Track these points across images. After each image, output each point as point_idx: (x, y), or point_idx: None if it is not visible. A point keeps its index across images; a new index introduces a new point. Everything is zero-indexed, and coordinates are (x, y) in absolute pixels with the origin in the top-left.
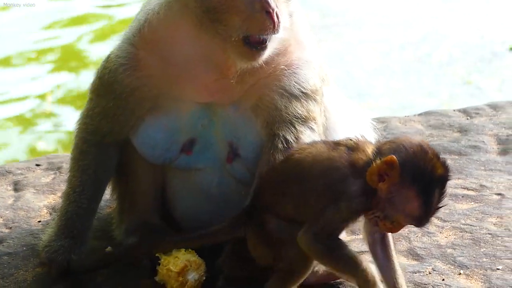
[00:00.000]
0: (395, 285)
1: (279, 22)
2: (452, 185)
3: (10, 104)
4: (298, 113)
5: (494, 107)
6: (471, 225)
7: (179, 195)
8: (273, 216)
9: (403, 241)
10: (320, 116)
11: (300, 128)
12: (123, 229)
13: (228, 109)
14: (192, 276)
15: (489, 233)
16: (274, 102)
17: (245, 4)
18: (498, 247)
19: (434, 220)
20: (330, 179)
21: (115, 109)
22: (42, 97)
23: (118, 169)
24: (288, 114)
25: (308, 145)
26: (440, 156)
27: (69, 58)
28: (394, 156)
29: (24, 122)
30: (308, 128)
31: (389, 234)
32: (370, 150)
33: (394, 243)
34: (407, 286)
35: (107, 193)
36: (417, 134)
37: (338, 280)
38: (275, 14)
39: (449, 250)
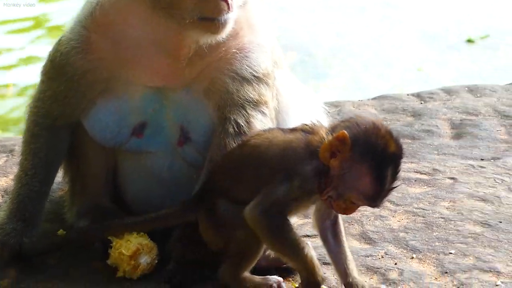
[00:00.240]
0: (346, 271)
1: (232, 2)
2: (405, 169)
3: None
4: (249, 96)
5: (448, 91)
6: (423, 209)
7: (130, 178)
8: (225, 200)
9: (355, 224)
10: (272, 100)
11: (252, 112)
12: (75, 212)
13: (179, 93)
14: (144, 260)
15: (441, 217)
16: (225, 86)
17: None
18: (450, 231)
19: (386, 203)
20: (286, 159)
21: (67, 92)
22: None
23: (69, 152)
24: (240, 98)
25: (264, 131)
26: (394, 135)
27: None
28: (345, 132)
29: None
30: (260, 112)
31: (340, 221)
32: (324, 131)
33: (346, 227)
34: (360, 270)
35: (59, 176)
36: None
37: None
38: None
39: (401, 234)
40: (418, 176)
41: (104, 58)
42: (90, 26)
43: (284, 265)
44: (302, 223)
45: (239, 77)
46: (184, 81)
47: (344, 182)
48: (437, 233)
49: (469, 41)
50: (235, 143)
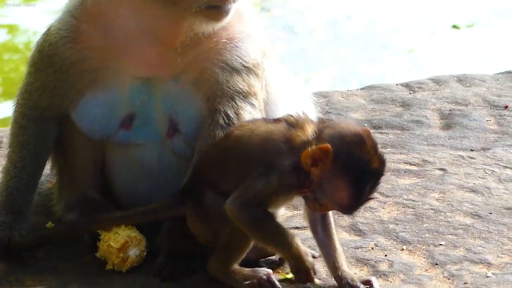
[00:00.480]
0: (335, 264)
1: None
2: (395, 160)
3: None
4: (239, 87)
5: (437, 81)
6: (413, 201)
7: (119, 171)
8: (212, 193)
9: (345, 216)
10: (261, 91)
11: (241, 103)
12: (63, 205)
13: (168, 84)
14: (133, 252)
15: (431, 209)
16: (215, 76)
17: None
18: (440, 223)
19: (376, 195)
20: (265, 150)
21: (55, 83)
22: None
23: (57, 144)
24: (230, 88)
25: (248, 122)
26: (378, 150)
27: None
28: (329, 145)
29: None
30: (249, 103)
31: (330, 213)
32: (310, 129)
33: (336, 219)
34: (350, 262)
35: (47, 168)
36: (359, 108)
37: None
38: None
39: (391, 226)
40: (408, 167)
41: (94, 48)
42: (80, 15)
43: (273, 257)
44: (292, 215)
45: (229, 68)
46: (174, 71)
47: (322, 190)
48: (427, 225)
49: (455, 27)
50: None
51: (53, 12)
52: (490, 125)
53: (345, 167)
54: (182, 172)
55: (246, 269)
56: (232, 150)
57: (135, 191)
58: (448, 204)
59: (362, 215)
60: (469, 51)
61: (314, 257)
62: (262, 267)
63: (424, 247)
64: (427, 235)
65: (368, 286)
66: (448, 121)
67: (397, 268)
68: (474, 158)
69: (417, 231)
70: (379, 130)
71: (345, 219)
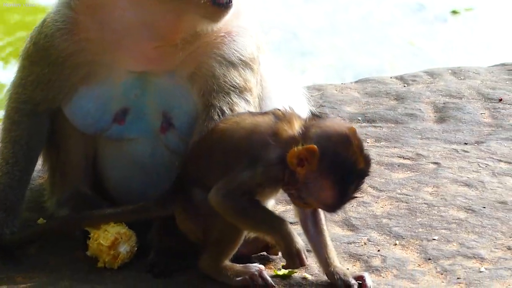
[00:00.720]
0: (326, 260)
1: None
2: (389, 154)
3: None
4: (235, 82)
5: (431, 74)
6: (407, 195)
7: (112, 166)
8: (201, 189)
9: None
10: (256, 87)
11: (236, 99)
12: (55, 200)
13: (163, 78)
14: (123, 248)
15: (425, 203)
16: (212, 70)
17: None
18: (434, 217)
19: (369, 190)
20: (251, 143)
21: (50, 76)
22: None
23: (49, 140)
24: (226, 83)
25: (233, 115)
26: (364, 149)
27: None
28: (315, 146)
29: None
30: (244, 100)
31: (320, 209)
32: (297, 124)
33: (328, 215)
34: (342, 257)
35: (39, 164)
36: (353, 101)
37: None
38: None
39: (384, 220)
40: (402, 161)
41: (90, 40)
42: (77, 7)
43: (265, 252)
44: (285, 210)
45: (226, 62)
46: (170, 65)
47: (307, 189)
48: (420, 219)
49: (454, 12)
50: None
51: None
52: (484, 118)
53: (331, 168)
54: (175, 167)
55: (238, 265)
56: (218, 144)
57: (128, 186)
58: (441, 198)
59: (355, 210)
60: (467, 40)
61: (307, 250)
62: (254, 263)
63: (417, 242)
64: (420, 229)
65: (360, 282)
66: (442, 114)
67: (389, 263)
68: (468, 152)
69: (410, 225)
70: (373, 124)
71: (338, 214)
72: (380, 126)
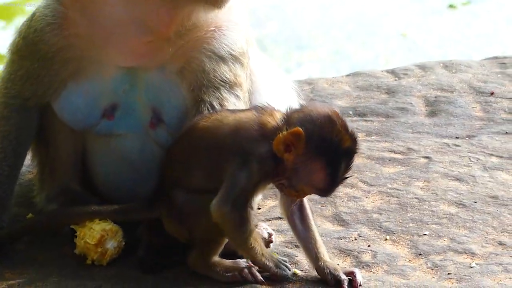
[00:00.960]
0: (317, 255)
1: None
2: (379, 148)
3: None
4: (226, 76)
5: (423, 67)
6: (397, 190)
7: (100, 161)
8: (182, 191)
9: (328, 206)
10: (246, 82)
11: (226, 95)
12: (44, 196)
13: (152, 74)
14: (111, 245)
15: (416, 198)
16: (202, 65)
17: None
18: (425, 212)
19: (360, 184)
20: (238, 139)
21: (40, 70)
22: None
23: (38, 135)
24: (216, 78)
25: (211, 113)
26: (349, 128)
27: None
28: (300, 129)
29: None
30: (234, 95)
31: (306, 204)
32: (279, 115)
33: (319, 209)
34: (332, 253)
35: (28, 159)
36: (344, 95)
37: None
38: None
39: (375, 215)
40: (393, 155)
41: (80, 35)
42: (66, 2)
43: None
44: (274, 205)
45: (216, 56)
46: (159, 60)
47: (297, 175)
48: (411, 214)
49: (451, 6)
50: None
51: None
52: (475, 112)
53: (318, 149)
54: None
55: (227, 261)
56: (199, 142)
57: (117, 182)
58: (432, 193)
59: (346, 205)
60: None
61: (296, 246)
62: (243, 258)
63: (408, 237)
64: (411, 224)
65: (351, 278)
66: (434, 108)
67: (380, 258)
68: (459, 146)
69: (401, 220)
70: (364, 118)
71: (328, 209)
72: (371, 120)
